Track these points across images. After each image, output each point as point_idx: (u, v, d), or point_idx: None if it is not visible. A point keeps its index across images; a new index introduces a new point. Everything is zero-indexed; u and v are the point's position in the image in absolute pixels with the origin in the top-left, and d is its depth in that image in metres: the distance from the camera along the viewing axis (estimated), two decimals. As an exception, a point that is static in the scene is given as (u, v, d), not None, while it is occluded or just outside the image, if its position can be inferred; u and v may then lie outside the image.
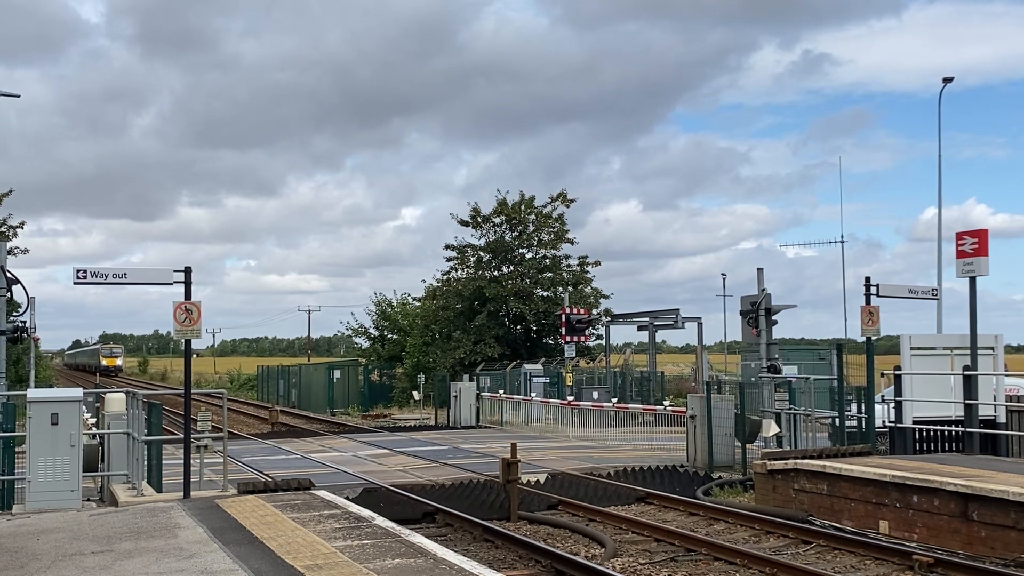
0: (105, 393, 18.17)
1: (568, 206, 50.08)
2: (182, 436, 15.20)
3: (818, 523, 14.23)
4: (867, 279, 19.22)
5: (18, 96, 27.12)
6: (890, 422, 18.52)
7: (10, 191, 40.25)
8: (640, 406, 28.68)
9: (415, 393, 44.22)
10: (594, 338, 46.46)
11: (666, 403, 27.76)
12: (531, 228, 49.51)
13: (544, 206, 49.66)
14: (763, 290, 23.38)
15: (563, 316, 37.75)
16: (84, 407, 16.09)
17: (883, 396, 21.62)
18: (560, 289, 47.40)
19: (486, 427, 33.95)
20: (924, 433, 17.79)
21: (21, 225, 40.73)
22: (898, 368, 17.95)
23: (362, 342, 62.09)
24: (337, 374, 51.46)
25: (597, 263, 50.35)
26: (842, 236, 51.34)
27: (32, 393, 15.07)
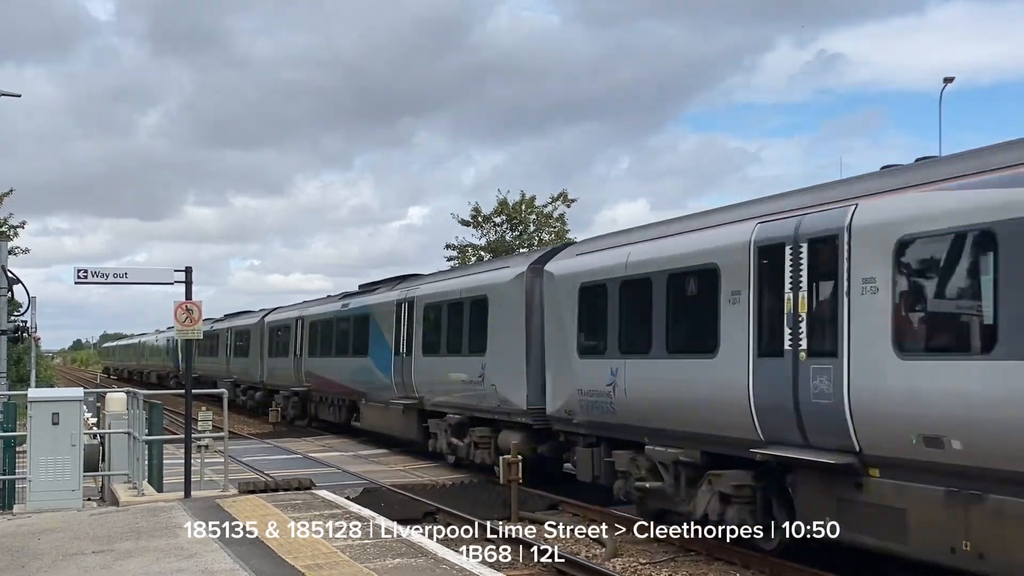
0: (106, 393, 18.20)
1: (569, 206, 50.00)
2: (183, 436, 15.21)
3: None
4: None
5: (19, 96, 27.05)
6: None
7: (11, 191, 40.16)
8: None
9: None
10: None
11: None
12: (532, 228, 49.49)
13: (545, 206, 49.68)
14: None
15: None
16: (85, 407, 16.09)
17: None
18: (561, 289, 47.36)
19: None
20: None
21: (22, 225, 40.66)
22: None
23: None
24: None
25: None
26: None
27: (33, 393, 15.08)
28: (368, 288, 28.42)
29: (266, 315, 38.89)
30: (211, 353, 49.25)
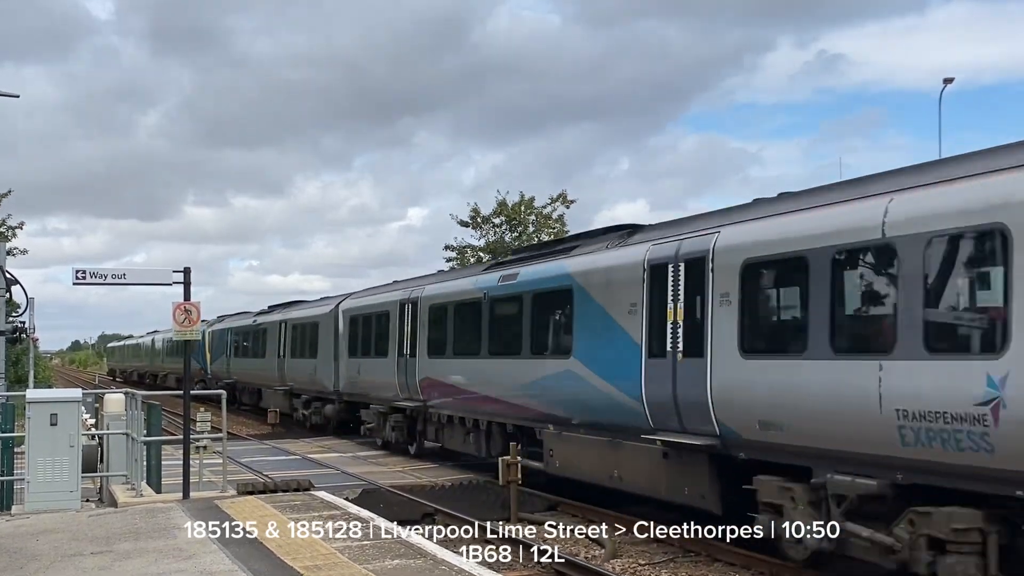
0: (104, 394, 18.18)
1: (568, 207, 50.06)
2: (181, 437, 15.19)
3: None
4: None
5: (17, 96, 27.03)
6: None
7: (9, 191, 40.15)
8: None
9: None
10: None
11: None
12: (531, 229, 49.53)
13: (544, 207, 49.72)
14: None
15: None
16: (83, 408, 16.08)
17: None
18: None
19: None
20: None
21: (20, 225, 40.64)
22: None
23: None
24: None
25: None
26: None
27: (31, 394, 15.07)
28: (547, 250, 18.69)
29: (342, 301, 29.66)
30: (254, 354, 38.08)
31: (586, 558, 12.63)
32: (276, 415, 35.00)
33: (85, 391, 19.53)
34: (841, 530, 10.29)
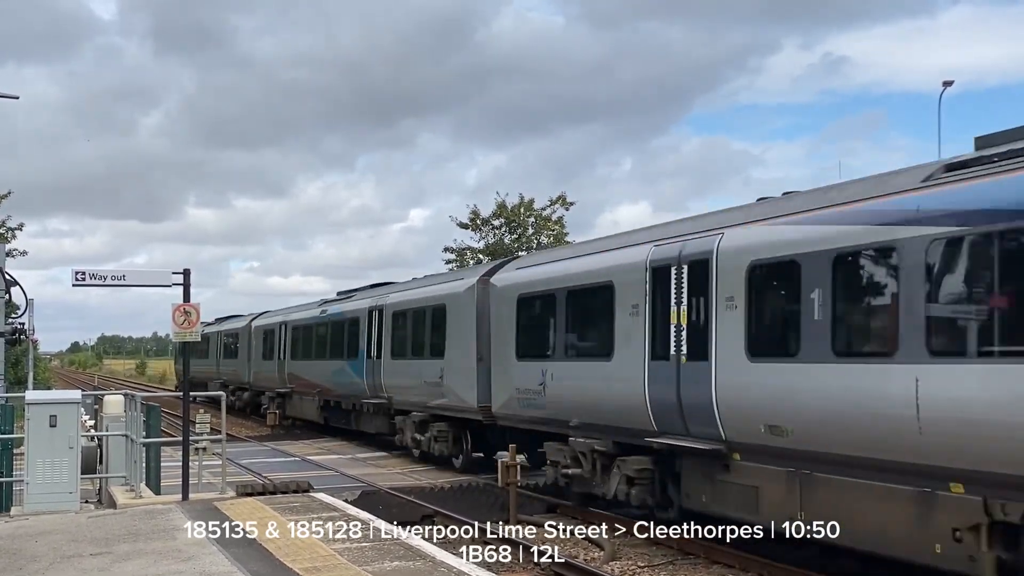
0: (103, 395, 18.17)
1: (568, 208, 49.98)
2: (181, 438, 15.19)
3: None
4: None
5: (17, 98, 26.97)
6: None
7: (9, 192, 40.10)
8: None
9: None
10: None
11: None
12: (531, 231, 49.47)
13: (544, 208, 49.65)
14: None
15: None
16: (82, 409, 16.07)
17: None
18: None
19: (485, 429, 33.75)
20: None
21: (20, 227, 40.60)
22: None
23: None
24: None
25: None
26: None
27: (31, 395, 15.06)
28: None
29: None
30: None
31: (585, 560, 12.62)
32: (275, 416, 35.30)
33: (84, 392, 19.52)
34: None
